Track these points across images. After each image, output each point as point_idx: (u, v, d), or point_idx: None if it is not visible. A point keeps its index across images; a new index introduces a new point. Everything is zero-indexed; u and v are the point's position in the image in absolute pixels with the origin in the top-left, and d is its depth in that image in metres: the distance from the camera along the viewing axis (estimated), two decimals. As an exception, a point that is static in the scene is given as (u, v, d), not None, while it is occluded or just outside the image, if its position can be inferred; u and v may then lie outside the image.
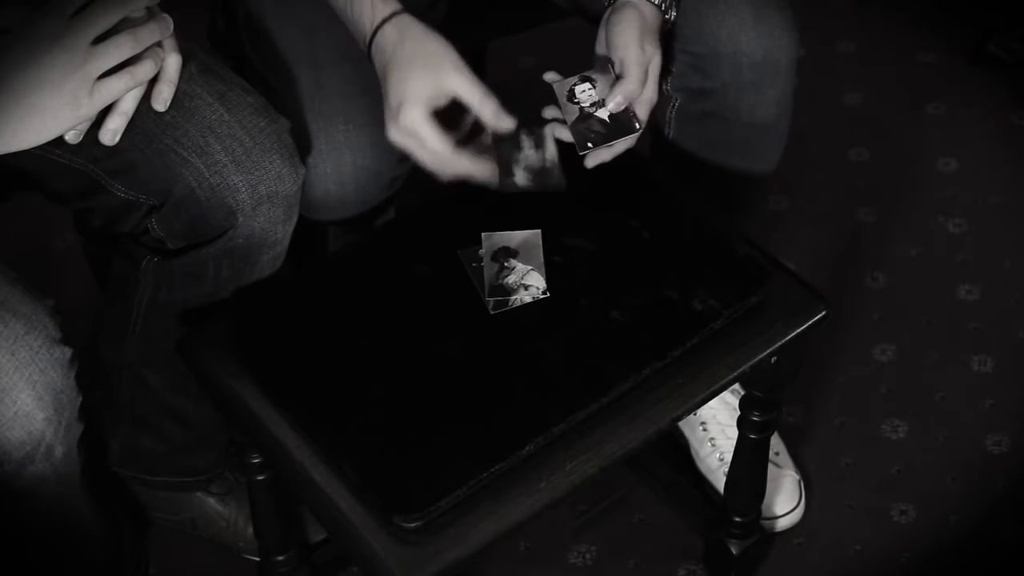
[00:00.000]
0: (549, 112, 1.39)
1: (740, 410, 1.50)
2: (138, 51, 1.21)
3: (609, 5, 1.40)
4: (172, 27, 1.25)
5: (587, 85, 1.38)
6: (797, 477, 1.74)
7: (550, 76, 1.40)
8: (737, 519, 1.62)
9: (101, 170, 1.37)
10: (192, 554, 1.72)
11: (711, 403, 1.48)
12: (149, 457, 1.64)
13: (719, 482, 1.70)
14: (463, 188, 1.34)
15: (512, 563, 1.70)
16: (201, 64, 1.36)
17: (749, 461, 1.56)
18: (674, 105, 1.53)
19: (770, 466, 1.64)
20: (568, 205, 1.39)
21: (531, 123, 1.36)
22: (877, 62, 2.37)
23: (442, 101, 1.32)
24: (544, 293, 1.34)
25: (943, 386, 1.89)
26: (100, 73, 1.19)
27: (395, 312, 1.34)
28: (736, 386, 1.44)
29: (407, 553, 1.19)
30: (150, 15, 1.24)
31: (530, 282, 1.34)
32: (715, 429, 1.73)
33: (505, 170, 1.35)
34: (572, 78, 1.39)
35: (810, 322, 1.37)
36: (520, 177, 1.35)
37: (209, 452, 1.66)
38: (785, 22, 1.49)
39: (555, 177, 1.36)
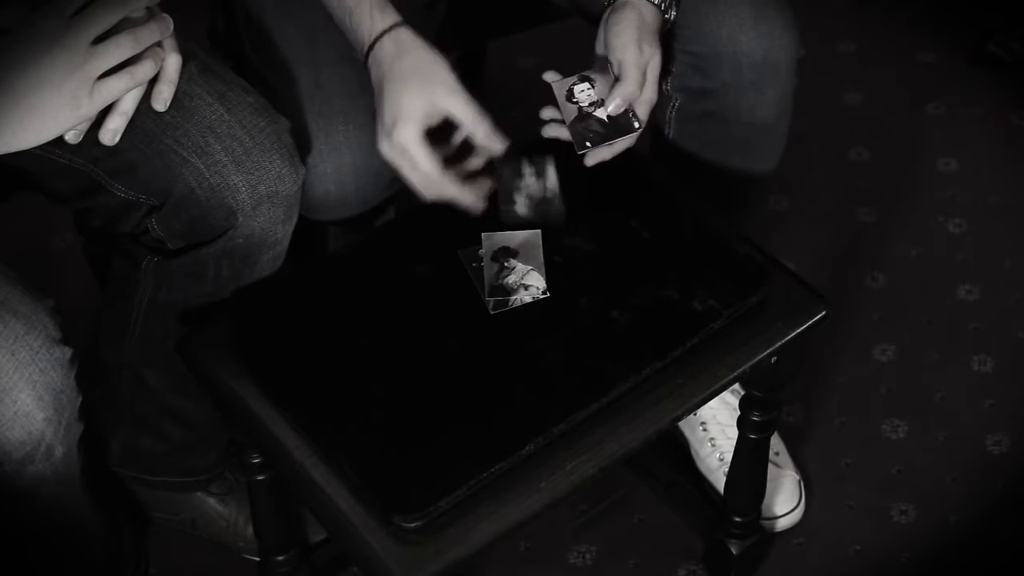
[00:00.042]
0: (547, 112, 1.39)
1: (740, 410, 1.50)
2: (138, 51, 1.21)
3: (608, 5, 1.40)
4: (172, 27, 1.25)
5: (586, 85, 1.38)
6: (797, 477, 1.74)
7: (549, 76, 1.40)
8: (737, 519, 1.62)
9: (101, 170, 1.37)
10: (192, 554, 1.72)
11: (711, 403, 1.48)
12: (149, 457, 1.64)
13: (719, 482, 1.70)
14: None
15: (512, 563, 1.70)
16: (201, 64, 1.36)
17: (749, 461, 1.56)
18: (674, 105, 1.53)
19: (770, 466, 1.64)
20: (568, 205, 1.39)
21: (533, 152, 1.37)
22: (877, 62, 2.37)
23: (435, 120, 1.33)
24: (544, 293, 1.34)
25: (943, 386, 1.89)
26: (100, 73, 1.19)
27: (395, 312, 1.34)
28: (736, 386, 1.44)
29: (407, 553, 1.19)
30: (150, 15, 1.23)
31: (530, 282, 1.34)
32: (715, 429, 1.73)
33: (505, 198, 1.36)
34: (571, 78, 1.39)
35: (810, 322, 1.37)
36: (521, 205, 1.36)
37: (209, 452, 1.65)
38: (785, 22, 1.49)
39: (555, 207, 1.36)
